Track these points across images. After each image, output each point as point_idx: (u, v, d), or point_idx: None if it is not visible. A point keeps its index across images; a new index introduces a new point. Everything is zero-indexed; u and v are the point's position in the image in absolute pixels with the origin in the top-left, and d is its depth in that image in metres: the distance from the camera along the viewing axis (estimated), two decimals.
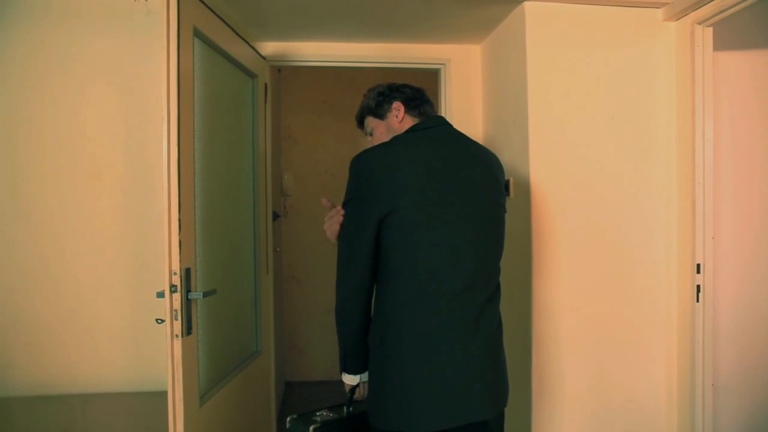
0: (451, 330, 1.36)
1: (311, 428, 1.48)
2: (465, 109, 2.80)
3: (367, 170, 1.39)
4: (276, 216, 3.38)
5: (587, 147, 2.22)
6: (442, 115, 2.81)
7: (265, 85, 2.59)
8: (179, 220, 1.68)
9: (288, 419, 1.56)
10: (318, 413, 1.55)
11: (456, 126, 2.70)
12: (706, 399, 2.18)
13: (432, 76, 2.92)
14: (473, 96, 2.81)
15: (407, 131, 1.53)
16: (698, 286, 2.16)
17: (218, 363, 2.07)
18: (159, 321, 1.68)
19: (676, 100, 2.26)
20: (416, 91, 1.61)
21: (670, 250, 2.28)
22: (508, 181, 2.38)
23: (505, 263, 2.60)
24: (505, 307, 2.51)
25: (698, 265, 2.16)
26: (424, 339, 1.35)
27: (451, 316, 1.36)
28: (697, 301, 2.16)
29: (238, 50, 2.23)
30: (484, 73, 2.77)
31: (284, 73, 4.29)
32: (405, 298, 1.37)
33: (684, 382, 2.24)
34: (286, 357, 4.33)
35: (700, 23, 2.14)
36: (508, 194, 2.38)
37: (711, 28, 2.16)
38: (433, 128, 1.52)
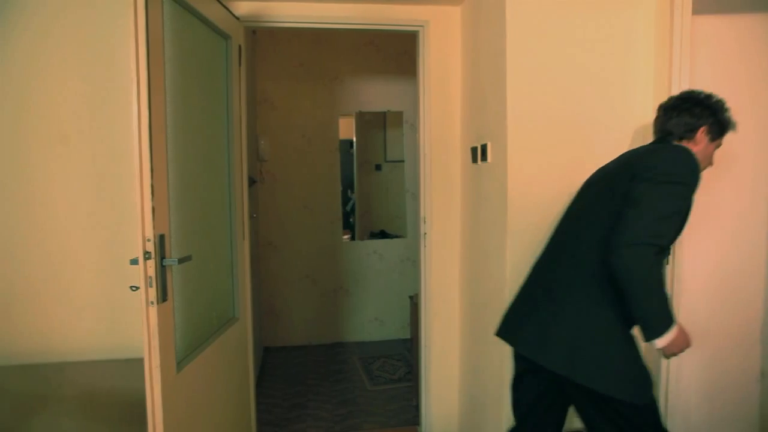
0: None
1: None
2: (443, 73, 2.76)
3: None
4: (252, 181, 3.34)
5: (565, 110, 2.21)
6: (420, 77, 2.78)
7: (239, 47, 2.51)
8: (152, 185, 1.64)
9: None
10: None
11: (433, 89, 2.73)
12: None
13: (412, 38, 2.86)
14: (452, 59, 2.77)
15: None
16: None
17: (195, 329, 2.06)
18: (133, 288, 1.65)
19: (655, 64, 2.26)
20: None
21: None
22: (485, 146, 2.37)
23: (481, 229, 2.62)
24: (484, 273, 2.54)
25: None
26: None
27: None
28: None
29: (209, 10, 2.15)
30: (463, 35, 2.72)
31: (260, 35, 4.17)
32: None
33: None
34: (263, 323, 4.35)
35: None
36: (486, 159, 2.37)
37: None
38: None
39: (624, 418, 1.54)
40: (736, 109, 2.69)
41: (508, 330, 1.81)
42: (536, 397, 1.77)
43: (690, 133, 1.71)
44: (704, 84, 2.47)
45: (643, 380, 1.56)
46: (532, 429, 1.80)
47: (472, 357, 2.68)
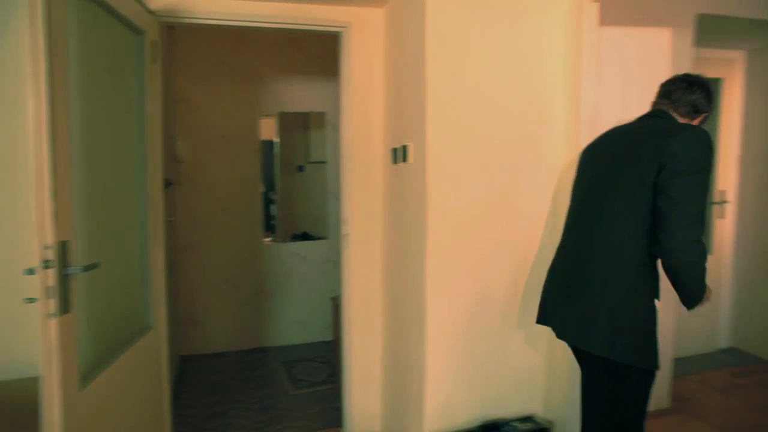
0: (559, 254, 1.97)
1: None
2: (366, 74, 2.77)
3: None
4: (168, 183, 3.19)
5: (482, 113, 2.28)
6: (343, 78, 2.77)
7: (154, 42, 2.38)
8: (53, 188, 1.52)
9: None
10: None
11: (356, 90, 2.73)
12: None
13: (335, 38, 2.84)
14: (375, 61, 2.78)
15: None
16: None
17: (103, 341, 1.93)
18: (29, 300, 1.52)
19: (566, 71, 2.38)
20: None
21: (555, 213, 2.43)
22: (405, 147, 2.40)
23: (402, 230, 2.65)
24: (405, 272, 2.57)
25: None
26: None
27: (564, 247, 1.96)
28: None
29: (120, 1, 2.02)
30: (386, 37, 2.75)
31: (178, 31, 3.99)
32: None
33: None
34: (181, 330, 4.17)
35: None
36: (406, 160, 2.41)
37: (597, 4, 2.28)
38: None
39: (635, 383, 1.74)
40: (636, 114, 2.89)
41: (549, 318, 1.94)
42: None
43: (695, 114, 1.81)
44: (611, 90, 2.65)
45: (657, 348, 1.72)
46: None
47: (394, 356, 2.71)
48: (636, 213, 1.66)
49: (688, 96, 1.81)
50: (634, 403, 1.76)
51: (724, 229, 4.04)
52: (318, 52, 4.41)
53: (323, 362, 4.08)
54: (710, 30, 3.21)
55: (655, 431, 2.86)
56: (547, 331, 2.49)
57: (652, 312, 1.70)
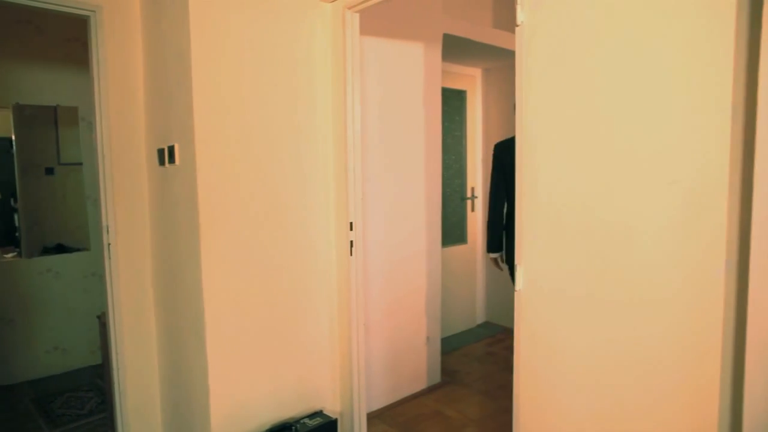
0: None
1: None
2: (123, 66, 2.50)
3: None
4: None
5: (253, 112, 2.26)
6: (94, 70, 2.47)
7: None
8: None
9: None
10: None
11: (111, 83, 2.49)
12: (359, 335, 2.56)
13: (83, 23, 2.50)
14: (133, 52, 2.53)
15: None
16: (351, 242, 2.48)
17: None
18: None
19: (332, 75, 2.49)
20: None
21: (329, 213, 2.54)
22: (172, 147, 2.25)
23: (173, 235, 2.49)
24: (179, 281, 2.42)
25: (351, 224, 2.47)
26: None
27: None
28: (351, 254, 2.48)
29: None
30: (144, 27, 2.52)
31: None
32: None
33: (343, 323, 2.56)
34: None
35: (349, 8, 2.39)
36: (173, 161, 2.25)
37: (358, 14, 2.43)
38: None
39: None
40: (396, 119, 3.19)
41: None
42: None
43: None
44: (372, 92, 2.85)
45: None
46: None
47: (174, 370, 2.52)
48: None
49: None
50: None
51: (475, 221, 4.68)
52: (63, 37, 3.84)
53: (90, 390, 3.60)
54: (455, 49, 3.70)
55: (429, 405, 3.18)
56: (332, 328, 2.59)
57: None
